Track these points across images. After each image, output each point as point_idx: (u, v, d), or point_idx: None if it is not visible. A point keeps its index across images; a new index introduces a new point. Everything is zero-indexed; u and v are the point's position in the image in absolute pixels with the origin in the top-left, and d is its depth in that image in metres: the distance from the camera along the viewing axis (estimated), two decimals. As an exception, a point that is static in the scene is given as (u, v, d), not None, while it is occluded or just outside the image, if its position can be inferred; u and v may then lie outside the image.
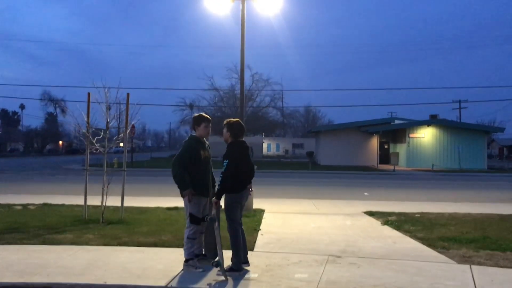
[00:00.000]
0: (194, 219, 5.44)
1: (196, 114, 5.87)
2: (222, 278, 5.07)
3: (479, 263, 5.94)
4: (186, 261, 5.45)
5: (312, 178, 24.74)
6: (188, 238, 5.46)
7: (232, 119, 5.62)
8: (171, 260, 5.82)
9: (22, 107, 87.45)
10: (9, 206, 10.61)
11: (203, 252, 5.75)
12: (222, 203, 5.40)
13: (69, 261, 5.71)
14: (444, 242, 7.16)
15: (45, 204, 10.94)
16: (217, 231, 5.28)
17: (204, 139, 5.74)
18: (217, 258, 5.26)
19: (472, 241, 7.26)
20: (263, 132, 55.58)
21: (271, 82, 44.05)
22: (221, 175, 5.18)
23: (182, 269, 5.39)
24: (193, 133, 5.71)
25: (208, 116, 5.76)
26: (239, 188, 5.34)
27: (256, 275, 5.21)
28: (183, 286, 4.84)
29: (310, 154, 47.25)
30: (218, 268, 5.19)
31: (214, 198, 5.26)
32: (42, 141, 77.58)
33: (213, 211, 5.29)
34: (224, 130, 5.46)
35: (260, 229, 8.13)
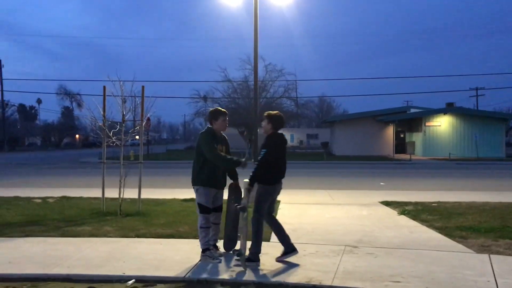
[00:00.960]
0: (203, 209, 5.55)
1: (213, 108, 5.93)
2: (240, 268, 5.11)
3: (498, 252, 5.88)
4: (203, 251, 5.52)
5: (327, 168, 24.66)
6: (200, 227, 5.55)
7: (271, 111, 5.64)
8: (188, 251, 5.87)
9: (39, 101, 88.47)
10: (28, 199, 10.80)
11: (216, 243, 5.83)
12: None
13: (88, 253, 5.80)
14: (462, 232, 7.10)
15: (63, 197, 11.11)
16: (245, 221, 5.31)
17: (222, 132, 5.80)
18: (239, 247, 5.31)
19: (491, 230, 7.18)
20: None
21: (284, 73, 43.70)
22: (257, 162, 5.22)
23: (200, 260, 5.45)
24: (209, 126, 5.76)
25: (224, 110, 5.83)
26: (273, 180, 5.36)
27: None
28: (200, 277, 4.89)
29: (325, 145, 47.11)
30: (238, 258, 5.25)
31: (247, 184, 5.30)
32: (59, 135, 78.54)
33: (244, 200, 5.32)
34: (264, 122, 5.48)
35: (276, 220, 8.15)
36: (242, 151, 32.91)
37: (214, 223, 5.79)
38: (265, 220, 5.49)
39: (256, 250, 5.31)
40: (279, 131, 5.53)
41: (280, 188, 5.55)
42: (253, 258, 5.30)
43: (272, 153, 5.26)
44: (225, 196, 5.89)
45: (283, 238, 5.47)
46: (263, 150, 5.26)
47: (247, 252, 5.33)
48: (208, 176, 5.55)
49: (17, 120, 78.01)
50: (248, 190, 5.27)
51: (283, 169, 5.50)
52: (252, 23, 11.22)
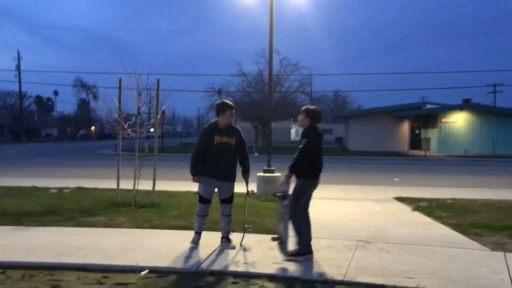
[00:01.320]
0: (200, 198, 5.79)
1: (220, 101, 5.97)
2: (251, 260, 5.13)
3: (513, 251, 5.81)
4: None
5: (341, 163, 24.54)
6: (195, 214, 5.87)
7: (310, 106, 5.69)
8: (201, 243, 5.90)
9: (55, 93, 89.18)
10: (45, 189, 10.96)
11: (229, 235, 5.91)
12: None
13: (103, 243, 5.88)
14: (477, 229, 7.02)
15: (79, 188, 11.25)
16: (285, 208, 5.32)
17: (233, 124, 5.85)
18: (279, 235, 5.31)
19: (506, 228, 7.09)
20: (291, 118, 55.19)
21: (299, 67, 43.37)
22: (298, 151, 5.21)
23: (212, 252, 5.49)
24: (214, 120, 5.86)
25: (231, 103, 5.87)
26: (312, 175, 5.36)
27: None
28: (213, 269, 4.92)
29: (339, 140, 46.86)
30: (279, 245, 5.29)
31: (286, 173, 5.29)
32: (75, 126, 79.34)
33: (284, 188, 5.30)
34: (302, 116, 5.50)
35: (289, 214, 8.15)
36: (250, 144, 32.92)
37: (223, 214, 5.85)
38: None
39: (303, 241, 5.25)
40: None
41: (318, 183, 5.51)
42: (303, 251, 5.25)
43: (312, 143, 5.28)
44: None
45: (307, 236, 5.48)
46: (303, 139, 5.27)
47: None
48: (208, 166, 5.70)
49: (34, 111, 78.93)
50: (288, 177, 5.26)
51: (321, 163, 5.50)
52: (268, 16, 11.18)
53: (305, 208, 5.49)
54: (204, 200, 5.78)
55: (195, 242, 5.79)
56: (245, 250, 5.63)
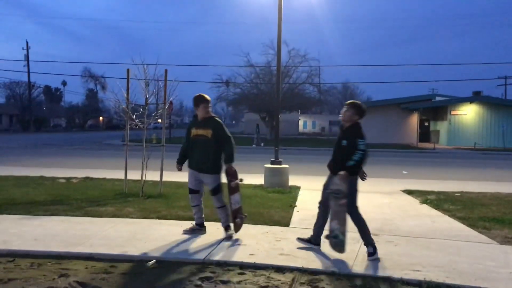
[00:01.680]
0: (188, 188, 6.03)
1: (196, 95, 5.98)
2: (259, 251, 5.13)
3: (522, 244, 5.76)
4: None
5: (348, 155, 24.44)
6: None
7: (355, 101, 5.50)
8: (208, 233, 5.93)
9: (64, 83, 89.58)
10: (53, 179, 11.04)
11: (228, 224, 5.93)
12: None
13: (110, 233, 5.91)
14: (485, 222, 6.98)
15: (87, 178, 11.32)
16: (342, 207, 5.15)
17: (213, 117, 5.89)
18: (332, 233, 5.22)
19: (515, 222, 7.04)
20: (299, 109, 55.00)
21: (308, 58, 43.08)
22: (361, 152, 5.07)
23: (219, 243, 5.50)
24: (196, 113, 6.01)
25: (206, 97, 5.90)
26: (358, 171, 5.26)
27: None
28: (220, 260, 4.93)
29: (347, 132, 46.63)
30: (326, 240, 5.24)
31: (343, 172, 5.10)
32: (83, 116, 79.77)
33: (341, 187, 5.12)
34: (350, 112, 5.29)
35: (295, 206, 8.16)
36: (253, 137, 32.87)
37: (216, 206, 5.92)
38: (320, 205, 5.47)
39: (370, 241, 5.15)
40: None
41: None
42: (373, 251, 5.11)
43: (365, 142, 5.17)
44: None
45: (318, 227, 5.47)
46: (360, 140, 5.12)
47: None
48: (189, 158, 6.05)
49: (43, 101, 79.37)
50: (347, 177, 5.09)
51: None
52: (276, 7, 11.12)
53: (325, 203, 5.46)
54: (189, 189, 6.06)
55: (187, 231, 5.97)
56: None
